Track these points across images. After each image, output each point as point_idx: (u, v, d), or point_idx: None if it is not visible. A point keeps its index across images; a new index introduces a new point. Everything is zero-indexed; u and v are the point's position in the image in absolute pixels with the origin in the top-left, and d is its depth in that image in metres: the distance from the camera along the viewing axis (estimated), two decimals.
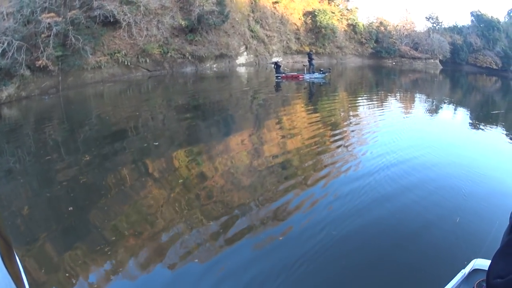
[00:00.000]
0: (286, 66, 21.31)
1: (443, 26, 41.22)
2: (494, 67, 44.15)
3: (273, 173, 5.65)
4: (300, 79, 18.07)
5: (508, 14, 45.84)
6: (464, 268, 2.19)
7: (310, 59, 18.83)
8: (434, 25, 40.60)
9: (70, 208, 4.51)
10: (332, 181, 5.33)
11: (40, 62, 13.59)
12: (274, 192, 4.83)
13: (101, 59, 16.57)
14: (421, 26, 41.07)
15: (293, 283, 3.05)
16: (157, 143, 7.17)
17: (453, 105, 16.44)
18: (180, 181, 5.31)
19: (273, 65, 18.05)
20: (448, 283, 2.11)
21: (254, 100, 12.73)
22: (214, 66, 19.13)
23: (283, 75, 17.77)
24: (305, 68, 18.87)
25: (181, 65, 18.85)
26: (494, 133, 10.98)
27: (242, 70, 19.58)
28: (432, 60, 38.14)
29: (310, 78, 18.19)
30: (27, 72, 13.43)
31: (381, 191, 4.91)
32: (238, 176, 5.52)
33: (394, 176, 5.47)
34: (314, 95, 15.54)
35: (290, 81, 17.62)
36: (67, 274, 3.23)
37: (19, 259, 0.51)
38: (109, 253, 3.53)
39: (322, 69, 18.85)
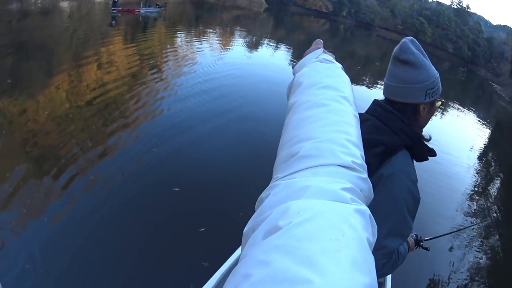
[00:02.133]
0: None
1: None
2: (324, 10, 47.65)
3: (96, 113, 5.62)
4: (136, 12, 18.45)
5: None
6: None
7: None
8: None
9: None
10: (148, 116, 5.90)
11: None
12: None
13: None
14: None
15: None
16: None
17: (273, 42, 18.58)
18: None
19: None
20: None
21: (78, 35, 11.93)
22: (39, 1, 18.55)
23: (119, 8, 17.56)
24: (142, 2, 19.29)
25: (6, 2, 17.58)
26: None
27: (65, 4, 18.61)
28: None
29: (145, 12, 18.89)
30: None
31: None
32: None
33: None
34: (145, 29, 16.17)
35: (126, 15, 17.60)
36: None
37: None
38: None
39: (158, 4, 19.91)
